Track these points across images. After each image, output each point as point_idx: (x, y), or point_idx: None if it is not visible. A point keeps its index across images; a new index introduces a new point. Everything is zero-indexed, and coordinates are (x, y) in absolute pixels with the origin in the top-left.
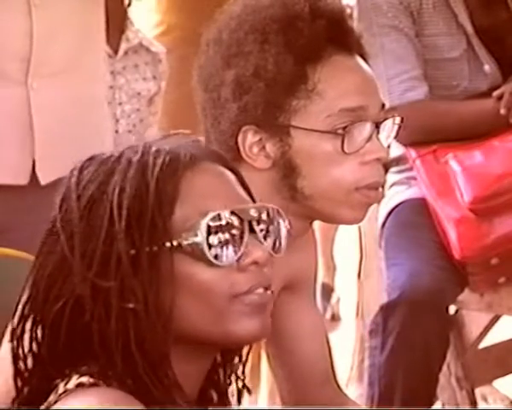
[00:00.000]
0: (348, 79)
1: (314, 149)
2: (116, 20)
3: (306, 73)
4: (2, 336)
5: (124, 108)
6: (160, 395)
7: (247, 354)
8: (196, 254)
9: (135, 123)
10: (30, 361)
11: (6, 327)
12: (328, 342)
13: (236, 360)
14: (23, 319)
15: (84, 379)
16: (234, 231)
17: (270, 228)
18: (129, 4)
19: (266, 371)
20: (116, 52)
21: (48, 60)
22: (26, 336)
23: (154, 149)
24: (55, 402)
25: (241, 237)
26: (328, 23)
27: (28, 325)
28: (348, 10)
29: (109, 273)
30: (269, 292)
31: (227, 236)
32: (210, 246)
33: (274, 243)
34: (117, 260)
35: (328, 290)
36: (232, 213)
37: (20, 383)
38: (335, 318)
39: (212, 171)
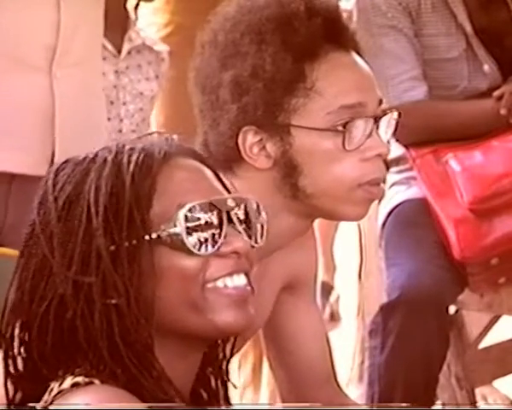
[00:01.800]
0: (346, 76)
1: (315, 147)
2: (118, 20)
3: (304, 72)
4: None
5: (128, 108)
6: (150, 387)
7: (232, 349)
8: (176, 244)
9: (138, 122)
10: (21, 364)
11: None
12: (328, 342)
13: (221, 355)
14: (11, 323)
15: (79, 379)
16: (212, 221)
17: (250, 218)
18: (137, 6)
19: (267, 371)
20: (119, 52)
21: (71, 50)
22: (16, 341)
23: (127, 147)
24: (51, 403)
25: (220, 227)
26: (324, 21)
27: (16, 330)
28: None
29: (90, 270)
30: (248, 288)
31: (206, 225)
32: (189, 236)
33: (253, 233)
34: (97, 257)
35: (327, 289)
36: (210, 203)
37: (11, 387)
38: (334, 316)
39: (188, 166)
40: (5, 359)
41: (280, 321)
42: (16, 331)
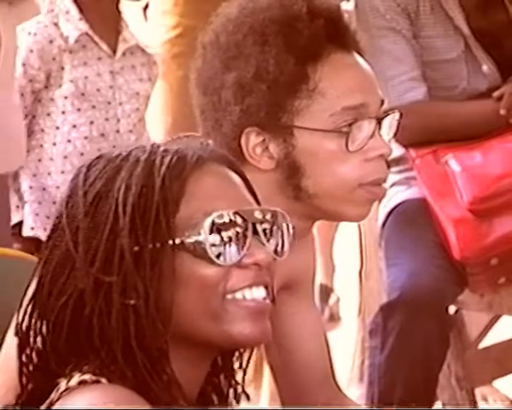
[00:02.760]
0: (349, 77)
1: (318, 149)
2: (111, 21)
3: (307, 73)
4: (3, 335)
5: (124, 108)
6: (159, 391)
7: (248, 360)
8: (198, 252)
9: (135, 123)
10: (34, 357)
11: (7, 327)
12: (327, 343)
13: (237, 365)
14: (28, 313)
15: (87, 377)
16: (237, 232)
17: (274, 230)
18: (146, 7)
19: (268, 371)
20: (114, 52)
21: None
22: (32, 332)
23: (161, 148)
24: (58, 400)
25: (245, 238)
26: (326, 22)
27: (33, 320)
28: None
29: (112, 269)
30: (267, 301)
31: (230, 235)
32: (212, 245)
33: (276, 246)
34: (120, 256)
35: (326, 292)
36: (236, 213)
37: (24, 379)
38: (334, 318)
39: (219, 172)
40: (20, 348)
41: (278, 321)
42: (33, 322)
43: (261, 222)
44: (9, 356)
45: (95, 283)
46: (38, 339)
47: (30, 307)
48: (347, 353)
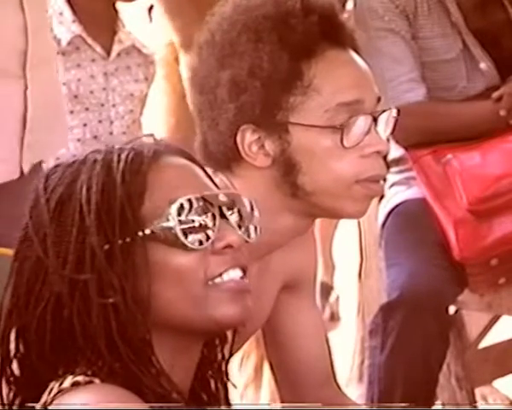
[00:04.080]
0: (343, 73)
1: (313, 145)
2: (106, 22)
3: (301, 70)
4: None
5: (118, 110)
6: (149, 382)
7: (230, 350)
8: (169, 239)
9: (128, 124)
10: (17, 370)
11: None
12: (327, 342)
13: (219, 356)
14: (7, 329)
15: (80, 378)
16: (205, 216)
17: (242, 213)
18: (150, 8)
19: (268, 372)
20: (109, 54)
21: (37, 52)
22: (13, 347)
23: (117, 147)
24: (51, 402)
25: (213, 222)
26: (320, 18)
27: (12, 335)
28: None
29: (85, 268)
30: (246, 280)
31: (199, 219)
32: (182, 230)
33: (246, 229)
34: (91, 255)
35: (326, 289)
36: (202, 198)
37: (10, 393)
38: (334, 317)
39: (178, 163)
40: (2, 365)
41: (280, 320)
42: (12, 337)
43: (228, 206)
44: None
45: (70, 284)
46: (21, 352)
47: (7, 322)
48: (347, 352)
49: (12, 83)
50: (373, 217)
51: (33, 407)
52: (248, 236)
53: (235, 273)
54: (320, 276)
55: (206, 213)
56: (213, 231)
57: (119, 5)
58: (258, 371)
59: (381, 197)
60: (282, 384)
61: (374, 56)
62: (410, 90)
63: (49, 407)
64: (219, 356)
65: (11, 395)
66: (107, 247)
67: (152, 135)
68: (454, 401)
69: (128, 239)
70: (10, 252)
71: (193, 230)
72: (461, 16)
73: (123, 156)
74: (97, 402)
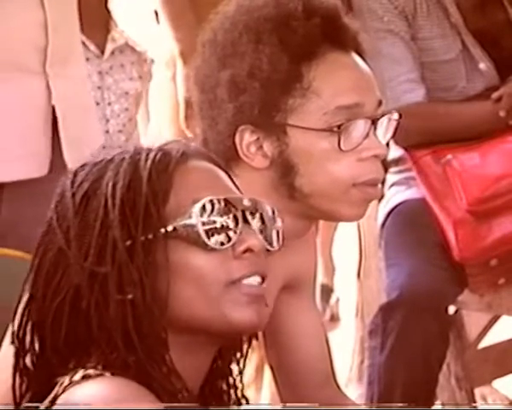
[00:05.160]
0: (343, 77)
1: (311, 148)
2: (99, 21)
3: (301, 72)
4: (3, 335)
5: (113, 108)
6: (160, 379)
7: (244, 360)
8: (191, 237)
9: (124, 122)
10: (33, 363)
11: (6, 327)
12: (327, 343)
13: (235, 366)
14: (24, 320)
15: (90, 371)
16: (227, 217)
17: (265, 220)
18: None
19: (269, 373)
20: (103, 52)
21: (59, 48)
22: (28, 338)
23: (145, 148)
24: (62, 393)
25: (235, 224)
26: (323, 21)
27: (29, 327)
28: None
29: (105, 261)
30: (264, 285)
31: (221, 220)
32: (204, 228)
33: (268, 235)
34: (113, 248)
35: (327, 291)
36: (226, 200)
37: (23, 385)
38: (335, 318)
39: (204, 167)
40: (16, 357)
41: (280, 321)
42: (28, 328)
43: (251, 211)
44: (11, 355)
45: (90, 276)
46: (36, 345)
47: (25, 313)
48: (347, 353)
49: (32, 78)
50: (372, 217)
51: (37, 407)
52: (270, 243)
53: (255, 279)
54: (320, 278)
55: (228, 214)
56: (235, 233)
57: (111, 5)
58: (258, 371)
59: (381, 197)
60: (282, 385)
61: (373, 57)
62: (410, 91)
63: (54, 407)
64: (235, 369)
65: (23, 387)
66: (129, 242)
67: (180, 140)
68: (454, 401)
69: (150, 236)
70: (11, 252)
71: (214, 230)
72: (460, 17)
73: (151, 155)
74: (108, 394)
